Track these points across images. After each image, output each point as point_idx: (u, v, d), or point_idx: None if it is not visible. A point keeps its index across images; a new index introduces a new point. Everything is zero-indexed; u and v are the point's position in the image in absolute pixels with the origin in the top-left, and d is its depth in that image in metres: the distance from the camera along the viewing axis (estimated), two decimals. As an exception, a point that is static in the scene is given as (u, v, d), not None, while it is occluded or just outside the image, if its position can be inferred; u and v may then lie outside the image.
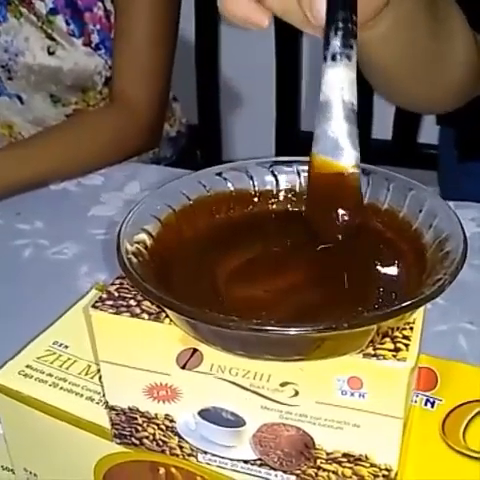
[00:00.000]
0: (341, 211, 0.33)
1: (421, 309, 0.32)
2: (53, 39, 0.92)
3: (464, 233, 0.31)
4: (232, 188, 0.38)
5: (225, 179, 0.38)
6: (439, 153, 0.95)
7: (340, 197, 0.33)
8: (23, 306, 0.61)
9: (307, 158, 0.38)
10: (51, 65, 0.92)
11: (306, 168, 0.38)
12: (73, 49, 0.92)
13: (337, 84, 0.33)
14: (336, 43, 0.33)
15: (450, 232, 0.32)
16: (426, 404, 0.38)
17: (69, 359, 0.42)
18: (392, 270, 0.33)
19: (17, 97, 0.97)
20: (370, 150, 1.09)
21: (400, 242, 0.34)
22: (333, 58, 0.33)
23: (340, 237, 0.32)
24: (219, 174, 0.38)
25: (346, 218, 0.33)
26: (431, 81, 0.62)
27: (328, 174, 0.33)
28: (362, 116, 1.15)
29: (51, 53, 0.92)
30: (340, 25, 0.34)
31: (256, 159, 0.38)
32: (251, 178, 0.38)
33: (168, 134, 1.07)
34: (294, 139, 1.13)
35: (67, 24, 0.91)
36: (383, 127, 1.09)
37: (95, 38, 0.92)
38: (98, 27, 0.92)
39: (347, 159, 0.33)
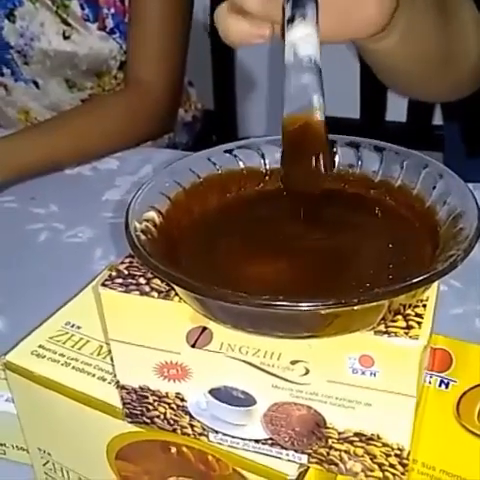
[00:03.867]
0: (311, 160, 0.33)
1: (434, 287, 0.31)
2: (68, 24, 0.91)
3: (478, 209, 0.31)
4: (243, 166, 0.37)
5: (236, 157, 0.37)
6: (445, 149, 0.94)
7: (308, 147, 0.33)
8: (38, 289, 0.61)
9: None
10: (66, 50, 0.92)
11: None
12: (88, 34, 0.92)
13: (292, 42, 0.34)
14: (288, 8, 0.34)
15: (464, 209, 0.31)
16: (440, 385, 0.38)
17: (81, 339, 0.42)
18: (405, 247, 0.32)
19: (33, 82, 0.97)
20: (385, 132, 1.09)
21: (413, 219, 0.34)
22: (289, 22, 0.34)
23: (317, 187, 0.32)
24: (230, 152, 0.37)
25: (316, 166, 0.32)
26: (444, 74, 0.62)
27: (294, 129, 0.34)
28: (376, 99, 1.13)
29: (66, 38, 0.92)
30: None
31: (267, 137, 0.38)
32: (262, 156, 0.37)
33: (183, 119, 1.07)
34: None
35: (82, 8, 0.91)
36: (397, 109, 1.08)
37: (109, 22, 0.92)
38: (112, 11, 0.91)
39: (310, 108, 0.33)
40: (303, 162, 0.32)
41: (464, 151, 0.85)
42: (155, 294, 0.32)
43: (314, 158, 0.32)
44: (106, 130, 0.84)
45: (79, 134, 0.83)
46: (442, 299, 0.36)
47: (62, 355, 0.41)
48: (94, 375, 0.39)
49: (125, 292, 0.32)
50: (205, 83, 1.19)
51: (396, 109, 1.08)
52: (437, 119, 1.05)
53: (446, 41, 0.56)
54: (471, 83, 0.65)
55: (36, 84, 0.97)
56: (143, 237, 0.31)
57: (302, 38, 0.34)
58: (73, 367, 0.40)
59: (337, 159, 0.37)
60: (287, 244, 0.33)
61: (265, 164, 0.38)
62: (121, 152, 0.83)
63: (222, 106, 1.23)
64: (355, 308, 0.27)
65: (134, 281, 0.33)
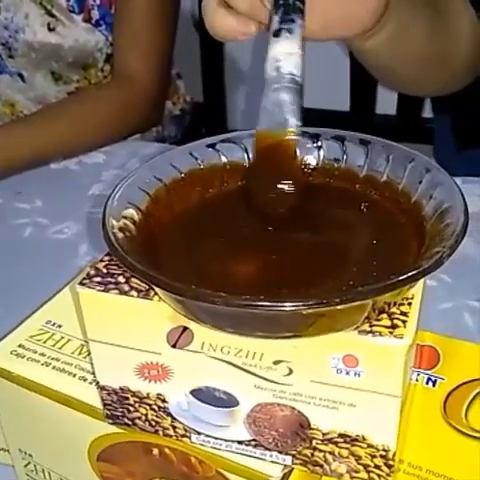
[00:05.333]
0: (279, 180, 0.32)
1: (420, 284, 0.31)
2: (53, 15, 0.90)
3: (465, 204, 0.30)
4: (225, 160, 0.36)
5: (218, 151, 0.36)
6: (435, 142, 0.94)
7: (277, 167, 0.33)
8: (22, 285, 0.60)
9: (306, 128, 0.37)
10: (51, 42, 0.91)
11: (305, 139, 0.36)
12: (73, 25, 0.91)
13: (275, 58, 0.33)
14: (276, 19, 0.34)
15: (451, 203, 0.30)
16: (428, 383, 0.37)
17: (62, 338, 0.41)
18: (390, 243, 0.32)
19: (18, 75, 0.96)
20: (374, 125, 1.08)
21: (399, 214, 0.33)
22: (275, 35, 0.33)
23: (282, 208, 0.32)
24: (212, 146, 0.36)
25: (284, 186, 0.32)
26: (435, 73, 0.62)
27: (265, 146, 0.33)
28: (366, 91, 1.13)
29: (51, 30, 0.91)
30: (280, 2, 0.34)
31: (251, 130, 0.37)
32: (245, 150, 0.37)
33: (171, 112, 1.06)
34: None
35: (67, 0, 0.90)
36: (387, 102, 1.07)
37: (95, 14, 0.91)
38: (98, 2, 0.90)
39: (284, 128, 0.33)
40: (269, 181, 0.32)
41: (454, 144, 0.84)
42: (134, 293, 0.31)
43: (281, 180, 0.32)
44: (92, 123, 0.83)
45: (65, 128, 0.82)
46: (431, 294, 0.35)
47: (42, 355, 0.40)
48: (75, 375, 0.39)
49: (103, 291, 0.32)
50: (194, 75, 1.18)
51: (386, 102, 1.07)
52: (427, 112, 1.05)
53: (438, 41, 0.56)
54: (462, 79, 0.65)
55: (21, 77, 0.96)
56: (121, 235, 0.30)
57: (286, 55, 0.33)
58: (53, 367, 0.39)
59: (322, 153, 0.37)
60: (271, 241, 0.32)
61: (248, 158, 0.37)
62: (108, 146, 0.82)
63: (211, 98, 1.22)
64: (338, 308, 0.26)
65: (113, 280, 0.32)
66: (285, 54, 0.33)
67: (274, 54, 0.33)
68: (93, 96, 0.89)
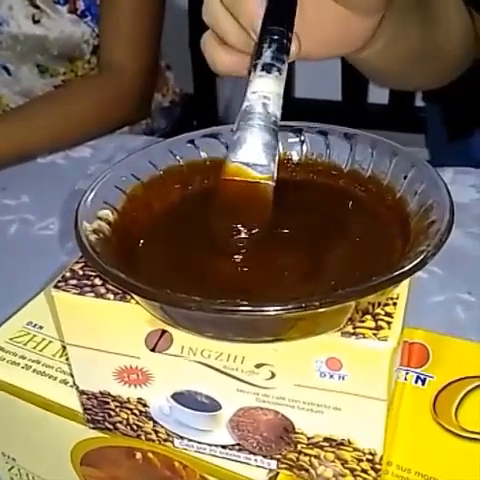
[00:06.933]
0: (246, 222, 0.30)
1: (405, 283, 0.30)
2: (37, 7, 0.89)
3: (451, 201, 0.29)
4: (205, 156, 0.35)
5: (198, 147, 0.35)
6: (427, 132, 0.93)
7: (247, 207, 0.31)
8: (8, 283, 0.59)
9: (289, 122, 0.36)
10: (36, 34, 0.89)
11: (287, 134, 0.35)
12: (58, 17, 0.89)
13: (264, 94, 0.32)
14: (269, 54, 0.33)
15: (436, 199, 0.29)
16: (417, 381, 0.36)
17: (44, 340, 0.40)
18: (374, 240, 0.31)
19: (4, 68, 0.94)
20: (366, 115, 1.07)
21: (384, 210, 0.32)
22: (263, 69, 0.32)
23: (241, 248, 0.30)
24: (191, 142, 0.35)
25: (249, 230, 0.30)
26: (426, 70, 0.61)
27: (239, 182, 0.31)
28: (358, 80, 1.12)
29: (36, 21, 0.89)
30: (275, 38, 0.33)
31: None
32: (226, 146, 0.35)
33: (160, 104, 1.04)
34: (289, 106, 1.10)
35: (52, -9, 0.88)
36: (379, 91, 1.06)
37: (81, 5, 0.89)
38: (83, -7, 0.88)
39: (261, 170, 0.31)
40: (235, 220, 0.30)
41: (445, 134, 0.83)
42: (111, 296, 0.30)
43: (247, 222, 0.30)
44: (79, 116, 0.82)
45: (51, 121, 0.80)
46: (422, 286, 0.34)
47: (23, 357, 0.39)
48: (56, 378, 0.38)
49: (79, 294, 0.31)
50: (184, 66, 1.16)
51: (378, 91, 1.06)
52: (419, 100, 1.04)
53: (431, 39, 0.55)
54: (454, 71, 0.64)
55: (7, 70, 0.94)
56: (94, 237, 0.29)
57: (275, 95, 0.32)
58: (34, 370, 0.38)
59: (305, 147, 0.36)
60: (251, 240, 0.31)
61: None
62: (94, 140, 0.81)
63: (202, 89, 1.20)
64: (319, 311, 0.25)
65: (89, 282, 0.31)
66: (274, 94, 0.32)
67: (263, 89, 0.32)
68: (78, 89, 0.88)
